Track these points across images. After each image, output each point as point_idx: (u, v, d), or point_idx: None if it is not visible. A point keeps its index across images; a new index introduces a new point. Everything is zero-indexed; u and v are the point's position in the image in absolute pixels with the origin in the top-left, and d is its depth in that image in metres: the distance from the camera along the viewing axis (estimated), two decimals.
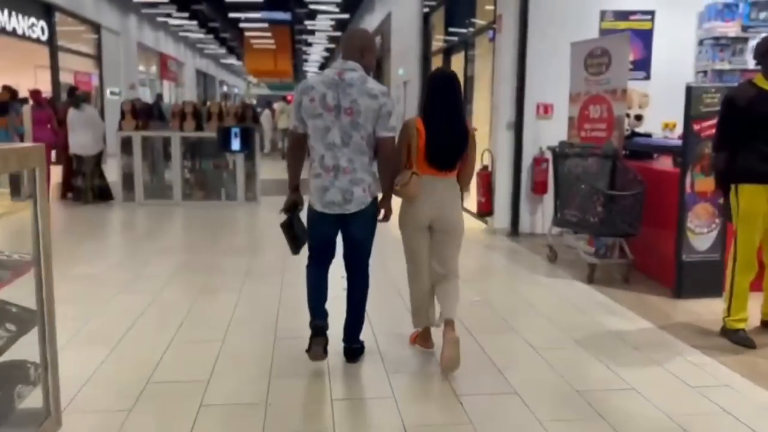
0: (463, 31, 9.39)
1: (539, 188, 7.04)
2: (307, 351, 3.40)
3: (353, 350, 3.55)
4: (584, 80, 6.19)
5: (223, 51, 35.51)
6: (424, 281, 3.56)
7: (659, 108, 6.58)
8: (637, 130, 6.42)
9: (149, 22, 23.15)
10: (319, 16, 23.11)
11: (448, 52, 10.21)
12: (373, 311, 3.89)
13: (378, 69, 18.20)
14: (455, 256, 3.56)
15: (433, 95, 3.40)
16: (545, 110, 7.04)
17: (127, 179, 9.15)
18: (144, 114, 9.69)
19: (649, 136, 6.30)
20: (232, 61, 40.69)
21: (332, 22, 24.70)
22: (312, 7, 20.85)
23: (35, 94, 9.58)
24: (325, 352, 3.36)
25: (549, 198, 6.95)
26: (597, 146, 5.77)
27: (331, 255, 3.48)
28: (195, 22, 24.25)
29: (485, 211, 7.34)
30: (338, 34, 28.35)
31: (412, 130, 3.37)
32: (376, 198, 3.36)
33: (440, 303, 3.50)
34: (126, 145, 9.10)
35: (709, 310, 4.44)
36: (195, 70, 34.21)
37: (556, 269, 5.66)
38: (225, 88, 47.74)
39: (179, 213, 8.66)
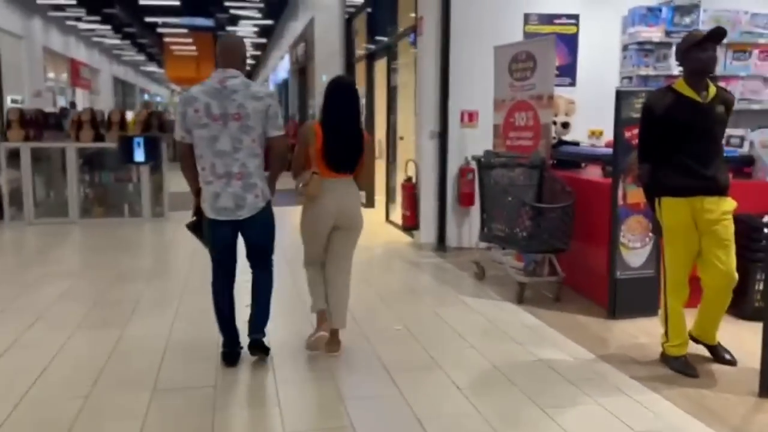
0: (385, 38, 8.94)
1: (465, 200, 6.65)
2: (222, 361, 3.55)
3: (257, 342, 3.57)
4: (509, 86, 5.84)
5: (142, 58, 33.93)
6: (318, 270, 3.75)
7: (585, 115, 6.34)
8: (564, 138, 6.14)
9: (57, 26, 21.66)
10: (242, 22, 22.29)
11: (371, 58, 9.77)
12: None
13: (302, 75, 17.63)
14: (352, 250, 3.79)
15: (330, 101, 3.59)
16: (470, 118, 6.67)
17: (15, 195, 8.17)
18: (36, 123, 8.73)
19: (576, 144, 6.02)
20: (153, 68, 39.03)
21: (256, 29, 23.91)
22: (234, 12, 20.03)
23: None
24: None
25: (476, 210, 6.55)
26: (523, 156, 5.42)
27: (233, 261, 3.51)
28: (108, 27, 22.89)
29: (410, 224, 6.89)
30: (263, 40, 27.58)
31: (310, 133, 3.53)
32: (269, 202, 3.46)
33: (330, 308, 3.69)
34: (13, 158, 8.14)
35: (646, 331, 4.11)
36: (112, 78, 32.52)
37: (484, 288, 5.25)
38: (146, 97, 45.80)
39: (74, 232, 7.78)
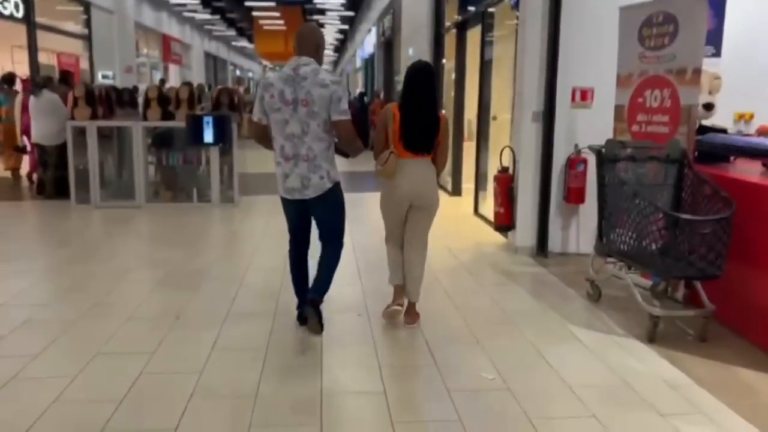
0: (480, 2, 7.76)
1: (574, 197, 5.50)
2: (298, 320, 3.84)
3: (313, 301, 3.66)
4: (638, 56, 4.62)
5: (232, 33, 34.04)
6: (397, 246, 3.91)
7: (731, 94, 5.08)
8: (706, 122, 4.88)
9: (149, 1, 21.74)
10: None
11: (462, 28, 8.64)
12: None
13: (388, 49, 16.66)
14: (428, 230, 3.92)
15: (409, 84, 3.72)
16: (583, 96, 5.48)
17: (82, 177, 7.77)
18: (108, 100, 8.29)
19: (724, 131, 4.74)
20: (244, 44, 39.21)
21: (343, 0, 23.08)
22: None
23: (25, 81, 8.35)
24: (319, 325, 3.69)
25: (587, 209, 5.44)
26: (657, 146, 4.23)
27: (305, 236, 3.78)
28: (198, 1, 22.78)
29: (504, 223, 5.82)
30: (351, 13, 26.75)
31: (389, 114, 3.68)
32: (337, 183, 3.59)
33: (407, 282, 3.87)
34: (80, 137, 7.72)
35: None
36: (204, 53, 32.83)
37: (599, 314, 4.15)
38: (238, 72, 46.35)
39: (137, 218, 7.26)
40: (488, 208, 7.44)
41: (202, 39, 32.27)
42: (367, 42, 22.45)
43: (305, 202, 3.56)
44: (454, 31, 8.99)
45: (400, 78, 13.21)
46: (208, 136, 7.70)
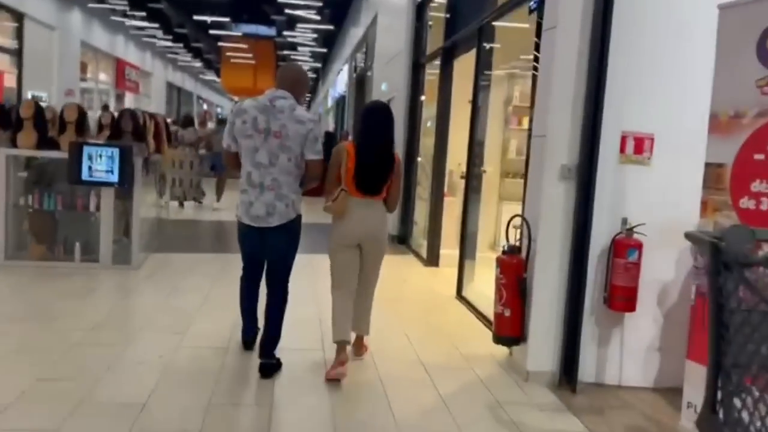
0: (476, 20, 5.92)
1: (620, 300, 3.55)
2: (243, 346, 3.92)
3: (268, 366, 3.56)
4: (756, 85, 2.77)
5: (199, 64, 32.18)
6: (345, 295, 3.75)
7: None
8: None
9: (101, 21, 19.75)
10: (300, 27, 19.90)
11: (448, 54, 6.83)
12: None
13: (360, 87, 14.90)
14: (377, 273, 3.87)
15: (364, 123, 3.74)
16: (638, 147, 3.60)
17: None
18: None
19: None
20: (213, 77, 37.34)
21: (315, 35, 21.47)
22: (289, 11, 17.59)
23: None
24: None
25: (638, 321, 3.50)
26: None
27: (261, 268, 3.68)
28: (157, 25, 20.87)
29: (510, 334, 3.79)
30: (324, 50, 25.20)
31: (343, 152, 3.63)
32: (299, 216, 3.59)
33: (354, 319, 3.77)
34: None
35: None
36: (166, 83, 30.83)
37: None
38: (205, 107, 44.37)
39: None
40: (477, 290, 5.48)
41: (165, 68, 30.31)
42: (340, 81, 20.78)
43: (267, 231, 3.53)
44: (436, 62, 7.20)
45: None
46: (100, 172, 5.63)
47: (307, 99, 43.35)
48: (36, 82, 15.46)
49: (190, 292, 5.23)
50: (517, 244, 3.82)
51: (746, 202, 2.80)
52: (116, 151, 5.67)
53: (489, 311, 4.75)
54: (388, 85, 9.72)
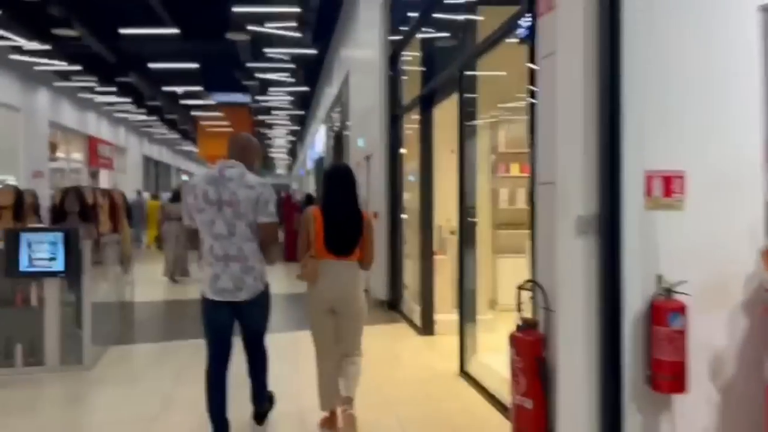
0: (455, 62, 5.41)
1: (668, 380, 2.84)
2: None
3: (262, 413, 3.82)
4: None
5: (175, 136, 31.82)
6: (329, 363, 3.75)
7: None
8: None
9: (70, 99, 19.32)
10: (273, 90, 19.59)
11: (427, 102, 6.30)
12: None
13: (338, 145, 14.41)
14: (357, 337, 3.79)
15: (327, 186, 3.78)
16: (667, 188, 2.97)
17: None
18: None
19: None
20: (191, 147, 36.97)
21: (291, 97, 21.18)
22: (259, 75, 17.27)
23: None
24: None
25: (692, 402, 2.80)
26: None
27: (228, 346, 3.55)
28: (128, 99, 20.49)
29: (534, 426, 3.06)
30: (301, 112, 24.94)
31: (310, 217, 3.69)
32: (267, 285, 3.58)
33: (342, 382, 3.73)
34: None
35: None
36: (143, 157, 30.35)
37: None
38: (184, 177, 43.90)
39: None
40: (483, 363, 4.75)
41: (141, 142, 29.89)
42: (318, 141, 20.39)
43: (235, 305, 3.46)
44: (415, 116, 6.67)
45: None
46: (42, 261, 4.91)
47: (289, 162, 42.95)
48: (1, 167, 14.84)
49: (149, 395, 4.45)
50: (534, 318, 3.12)
51: None
52: (59, 236, 4.97)
53: (499, 390, 4.04)
54: (366, 141, 9.20)
